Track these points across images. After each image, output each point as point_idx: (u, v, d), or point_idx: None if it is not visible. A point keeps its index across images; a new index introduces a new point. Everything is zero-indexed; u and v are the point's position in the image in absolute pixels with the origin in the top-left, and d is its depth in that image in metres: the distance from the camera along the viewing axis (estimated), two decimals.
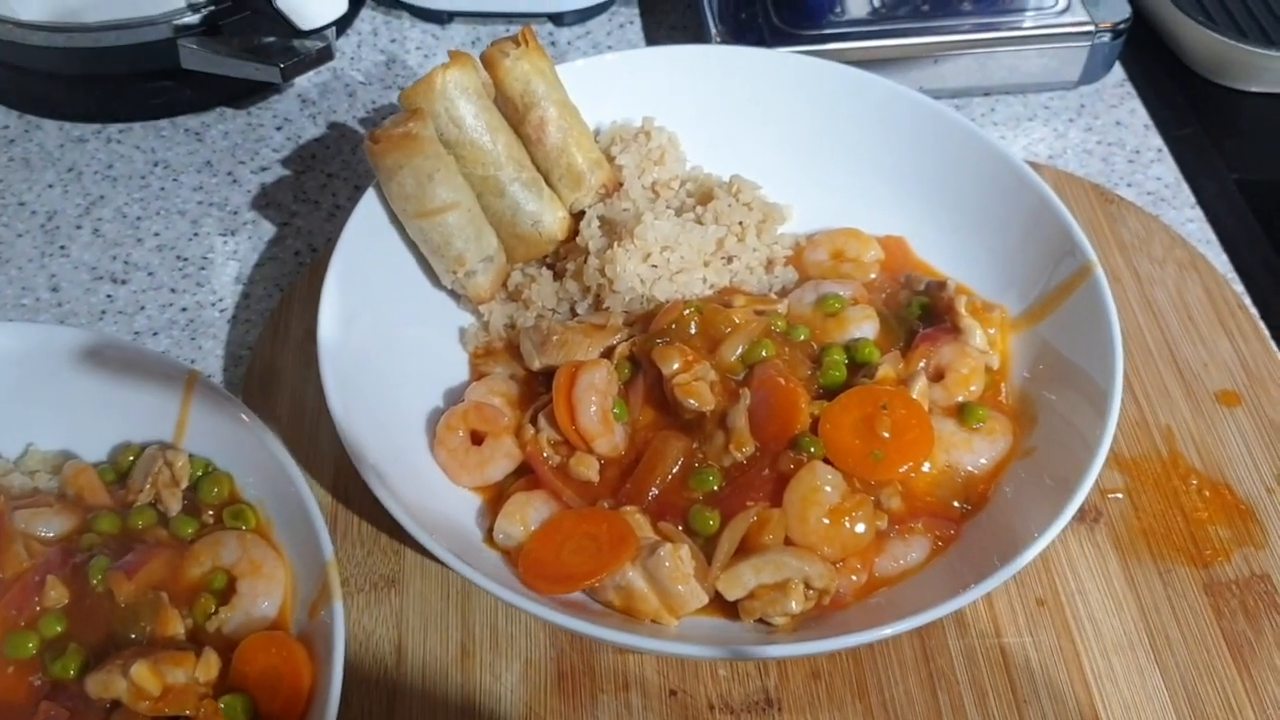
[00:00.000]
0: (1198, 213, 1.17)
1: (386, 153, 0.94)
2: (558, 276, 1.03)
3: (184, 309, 1.09)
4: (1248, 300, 1.08)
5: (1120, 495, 0.95)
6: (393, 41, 1.34)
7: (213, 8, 1.16)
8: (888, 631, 0.77)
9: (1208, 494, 0.95)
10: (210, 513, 0.89)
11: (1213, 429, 0.98)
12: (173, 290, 1.11)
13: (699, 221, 1.03)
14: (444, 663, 0.86)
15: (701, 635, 0.81)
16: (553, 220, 1.02)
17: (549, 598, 0.80)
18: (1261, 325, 1.06)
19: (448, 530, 0.84)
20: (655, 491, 0.87)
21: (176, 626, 0.81)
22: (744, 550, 0.83)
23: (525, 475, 0.90)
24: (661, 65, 1.10)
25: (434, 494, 0.88)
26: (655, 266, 0.99)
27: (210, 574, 0.84)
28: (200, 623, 0.83)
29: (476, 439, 0.91)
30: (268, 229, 1.16)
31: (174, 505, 0.88)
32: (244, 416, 0.88)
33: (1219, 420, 0.99)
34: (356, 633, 0.87)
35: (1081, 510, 0.93)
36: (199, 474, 0.90)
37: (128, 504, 0.88)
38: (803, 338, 0.95)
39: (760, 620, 0.82)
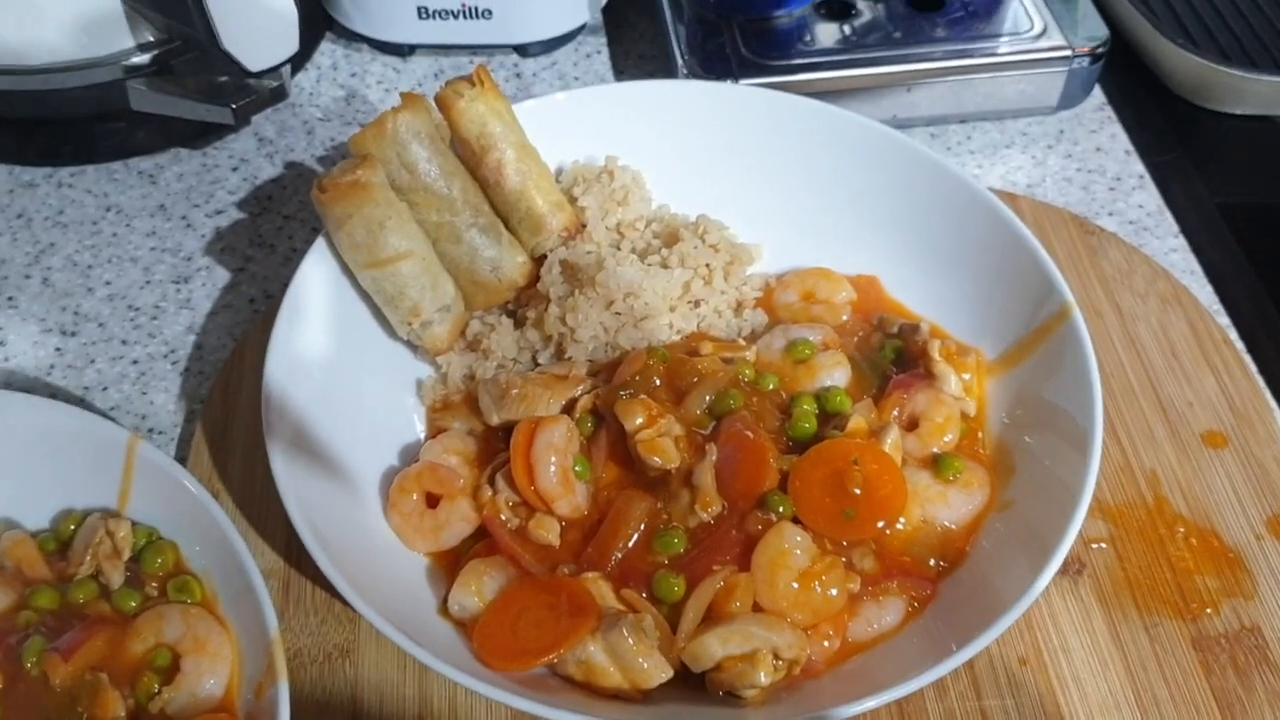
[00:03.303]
0: (1181, 241, 1.14)
1: (334, 202, 0.91)
2: (518, 324, 0.99)
3: (135, 361, 1.06)
4: (1233, 334, 1.05)
5: (1104, 545, 0.91)
6: (353, 75, 1.31)
7: (162, 49, 1.13)
8: (866, 705, 0.73)
9: (1195, 542, 0.91)
10: (154, 584, 0.85)
11: (1199, 473, 0.95)
12: (123, 342, 1.07)
13: (664, 264, 1.00)
14: None
15: (666, 713, 0.77)
16: (512, 266, 0.98)
17: (505, 675, 0.77)
18: (1248, 360, 1.03)
19: (400, 602, 0.81)
20: (618, 556, 0.83)
21: (117, 709, 0.77)
22: (711, 618, 0.80)
23: (484, 538, 0.87)
24: (624, 102, 1.06)
25: (386, 561, 0.85)
26: (619, 314, 0.95)
27: (153, 651, 0.80)
28: (143, 703, 0.79)
29: (432, 501, 0.88)
30: (222, 275, 1.12)
31: (116, 578, 0.84)
32: (187, 484, 0.84)
33: (1205, 463, 0.96)
34: (309, 707, 0.83)
35: (1065, 562, 0.90)
36: (142, 544, 0.85)
37: (68, 577, 0.84)
38: (772, 386, 0.91)
39: (729, 692, 0.78)
